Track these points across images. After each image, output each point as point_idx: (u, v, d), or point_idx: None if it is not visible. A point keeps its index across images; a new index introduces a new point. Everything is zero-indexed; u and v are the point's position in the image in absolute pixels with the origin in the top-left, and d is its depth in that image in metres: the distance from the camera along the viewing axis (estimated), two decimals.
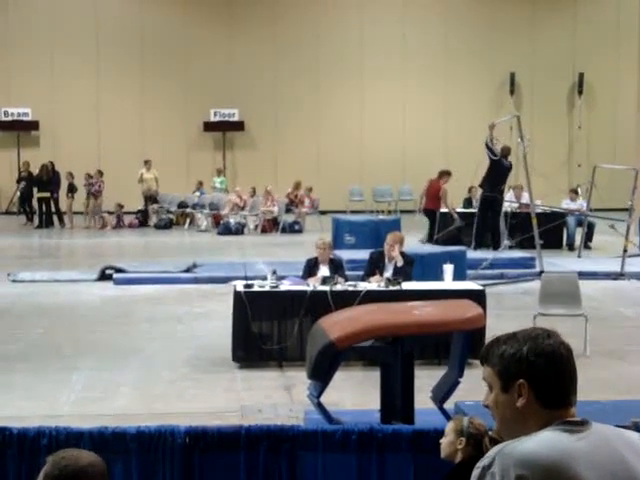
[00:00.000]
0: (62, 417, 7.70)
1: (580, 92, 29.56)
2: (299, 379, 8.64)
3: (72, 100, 28.74)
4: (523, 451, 2.42)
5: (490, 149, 18.39)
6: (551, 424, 2.50)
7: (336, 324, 6.91)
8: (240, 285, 10.20)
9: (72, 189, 25.79)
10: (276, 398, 8.81)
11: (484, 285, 11.87)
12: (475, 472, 2.49)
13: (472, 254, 16.59)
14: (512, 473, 2.39)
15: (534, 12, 29.18)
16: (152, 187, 26.20)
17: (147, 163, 26.41)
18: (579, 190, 20.95)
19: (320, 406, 6.88)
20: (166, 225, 25.27)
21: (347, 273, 11.25)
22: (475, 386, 8.30)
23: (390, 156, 29.06)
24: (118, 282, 15.47)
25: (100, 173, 25.97)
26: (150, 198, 26.09)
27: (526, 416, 2.55)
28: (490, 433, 4.63)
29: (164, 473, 5.15)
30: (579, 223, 20.11)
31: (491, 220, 18.74)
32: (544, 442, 2.45)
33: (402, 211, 27.14)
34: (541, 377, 2.52)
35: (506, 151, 18.85)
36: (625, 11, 27.51)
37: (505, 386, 2.55)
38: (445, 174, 19.94)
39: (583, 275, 14.47)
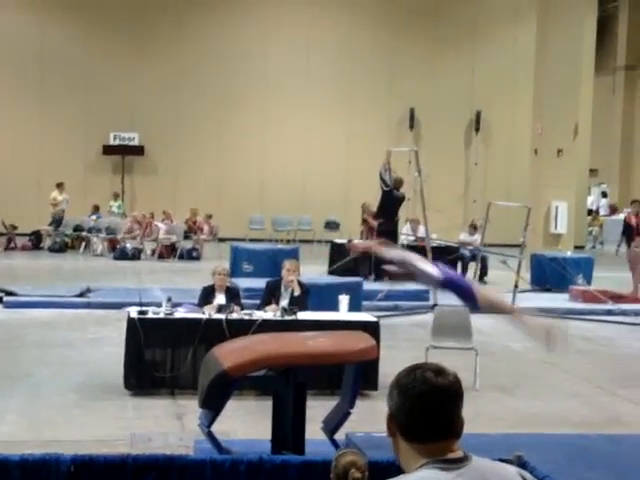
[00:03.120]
0: None
1: (477, 129, 30.26)
2: (191, 408, 8.56)
3: None
4: None
5: (382, 179, 18.67)
6: (426, 459, 2.54)
7: (229, 353, 6.89)
8: (134, 311, 10.08)
9: None
10: (167, 427, 8.71)
11: (378, 317, 12.00)
12: None
13: (368, 285, 16.75)
14: None
15: (434, 49, 29.79)
16: (63, 210, 25.92)
17: (60, 186, 26.11)
18: (477, 225, 21.41)
19: (210, 435, 6.84)
20: (61, 248, 24.81)
21: (244, 301, 11.23)
22: (367, 417, 8.39)
23: (291, 185, 29.20)
24: (8, 305, 15.12)
25: None
26: (59, 221, 25.69)
27: (399, 447, 2.60)
28: None
29: None
30: (473, 257, 20.52)
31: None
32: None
33: (301, 240, 27.26)
34: (396, 409, 2.57)
35: (398, 183, 19.12)
36: (521, 52, 28.32)
37: (388, 416, 2.63)
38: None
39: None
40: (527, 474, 2.68)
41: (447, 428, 2.56)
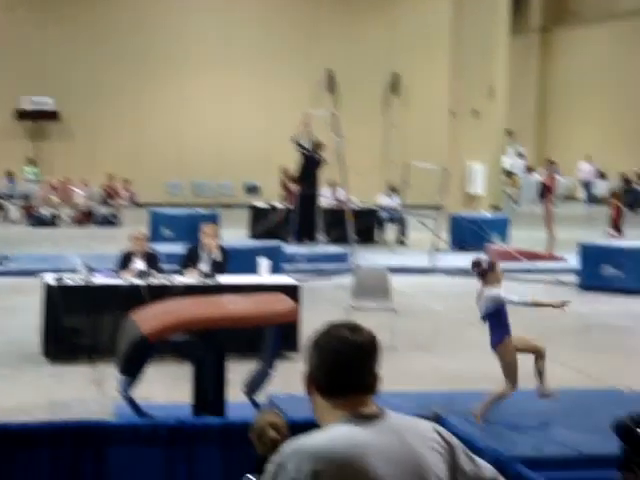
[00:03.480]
0: None
1: (395, 92, 30.36)
2: (110, 374, 8.49)
3: None
4: (315, 446, 2.47)
5: (299, 145, 18.65)
6: (341, 414, 2.56)
7: (148, 318, 6.85)
8: (51, 278, 9.94)
9: None
10: (87, 393, 8.64)
11: (299, 280, 12.04)
12: (269, 468, 2.51)
13: (289, 249, 16.78)
14: (305, 468, 2.43)
15: (352, 12, 29.72)
16: None
17: None
18: (396, 187, 21.56)
19: (130, 401, 6.80)
20: None
21: (164, 267, 11.15)
22: (288, 379, 8.43)
23: (210, 150, 28.95)
24: None
25: None
26: None
27: (317, 404, 2.63)
28: None
29: None
30: (392, 219, 20.68)
31: (309, 214, 19.00)
32: (335, 436, 2.50)
33: (221, 205, 27.12)
34: (314, 366, 2.61)
35: (317, 146, 19.14)
36: (438, 15, 28.41)
37: (305, 374, 2.65)
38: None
39: (395, 270, 14.89)
40: (442, 429, 2.71)
41: (362, 383, 2.60)
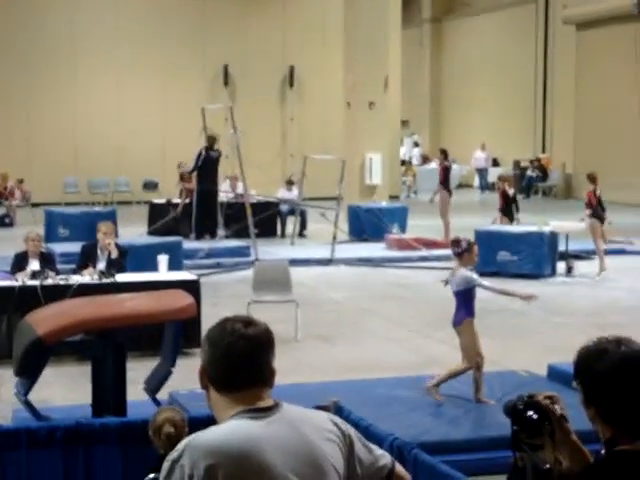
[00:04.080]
0: None
1: (291, 84, 30.43)
2: (7, 377, 8.31)
3: None
4: (211, 441, 2.47)
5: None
6: (236, 409, 2.58)
7: (43, 319, 6.74)
8: None
9: None
10: None
11: (200, 275, 11.99)
12: (165, 465, 2.51)
13: (189, 244, 16.69)
14: (201, 464, 2.43)
15: (245, 5, 29.64)
16: None
17: None
18: (293, 180, 21.63)
19: (28, 404, 6.69)
20: None
21: (61, 267, 10.97)
22: (189, 375, 8.39)
23: (106, 146, 28.52)
24: None
25: None
26: None
27: (212, 399, 2.64)
28: None
29: None
30: (292, 212, 20.75)
31: (209, 210, 18.91)
32: (231, 431, 2.51)
33: (119, 202, 26.77)
34: (207, 361, 2.63)
35: (211, 140, 19.04)
36: (330, 6, 28.56)
37: (200, 369, 2.66)
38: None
39: (296, 262, 14.97)
40: (338, 419, 2.74)
41: (256, 376, 2.60)
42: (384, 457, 2.79)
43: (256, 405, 2.57)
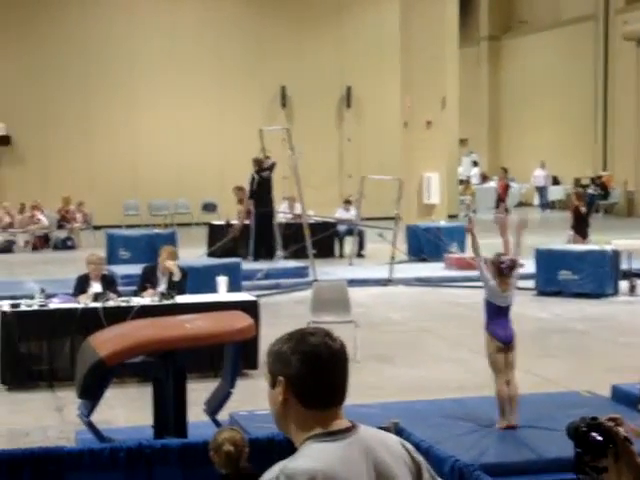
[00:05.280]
0: None
1: (348, 105, 30.51)
2: (70, 399, 8.41)
3: None
4: (305, 468, 2.44)
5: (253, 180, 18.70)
6: (315, 429, 2.54)
7: (105, 341, 6.81)
8: (6, 305, 9.85)
9: None
10: (46, 420, 8.56)
11: (259, 296, 12.04)
12: None
13: (248, 265, 16.76)
14: None
15: (301, 28, 29.83)
16: None
17: None
18: (351, 200, 21.65)
19: (90, 425, 6.75)
20: None
21: (122, 289, 11.09)
22: (249, 396, 8.43)
23: (165, 169, 28.85)
24: None
25: None
26: None
27: (287, 412, 2.59)
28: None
29: None
30: (350, 232, 20.75)
31: (266, 231, 18.98)
32: (318, 456, 2.47)
33: (178, 224, 27.05)
34: (296, 375, 2.53)
35: (258, 164, 19.01)
36: (387, 27, 28.59)
37: (272, 382, 2.58)
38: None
39: (354, 282, 14.95)
40: (408, 444, 2.72)
41: (344, 395, 2.57)
42: None
43: (335, 426, 2.54)
